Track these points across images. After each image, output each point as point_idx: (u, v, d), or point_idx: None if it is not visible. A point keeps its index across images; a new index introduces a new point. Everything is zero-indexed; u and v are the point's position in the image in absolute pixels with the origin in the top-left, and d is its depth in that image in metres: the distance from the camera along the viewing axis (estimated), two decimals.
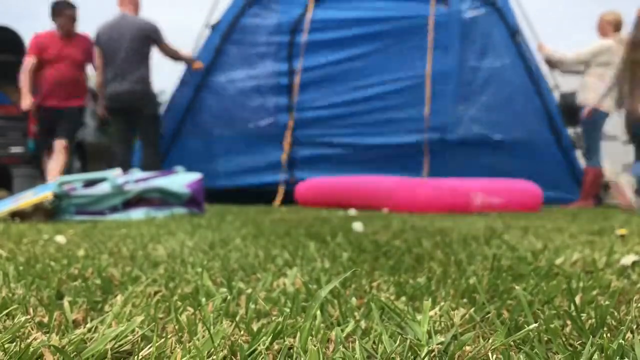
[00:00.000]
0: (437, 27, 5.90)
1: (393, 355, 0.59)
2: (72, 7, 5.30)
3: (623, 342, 0.60)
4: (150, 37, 5.41)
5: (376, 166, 5.76)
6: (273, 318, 0.77)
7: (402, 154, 5.86)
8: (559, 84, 6.62)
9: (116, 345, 0.64)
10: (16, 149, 6.58)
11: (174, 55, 5.70)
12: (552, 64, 6.10)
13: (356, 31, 5.99)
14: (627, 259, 1.26)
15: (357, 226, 2.28)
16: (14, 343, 0.62)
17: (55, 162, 5.22)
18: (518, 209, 4.38)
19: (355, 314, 0.79)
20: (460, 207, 4.17)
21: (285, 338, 0.66)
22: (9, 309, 0.72)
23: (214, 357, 0.60)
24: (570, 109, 6.04)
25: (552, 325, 0.67)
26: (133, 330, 0.68)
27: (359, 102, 5.98)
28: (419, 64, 5.93)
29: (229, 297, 0.80)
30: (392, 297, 0.91)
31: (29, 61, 5.26)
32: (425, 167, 5.81)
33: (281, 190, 5.79)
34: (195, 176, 3.70)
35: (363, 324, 0.73)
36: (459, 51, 5.95)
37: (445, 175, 5.52)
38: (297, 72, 6.01)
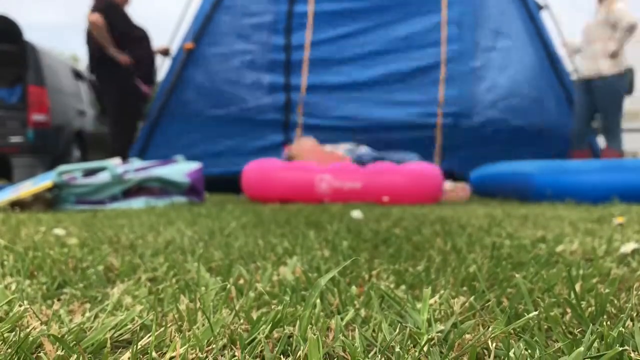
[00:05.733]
0: (450, 2, 5.62)
1: (393, 344, 0.59)
2: None
3: (623, 329, 0.60)
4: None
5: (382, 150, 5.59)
6: (273, 307, 0.77)
7: (412, 138, 5.51)
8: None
9: (116, 334, 0.64)
10: (15, 139, 6.57)
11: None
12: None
13: (361, 3, 5.63)
14: (627, 247, 1.25)
15: (356, 214, 2.28)
16: (14, 332, 0.62)
17: None
18: (387, 199, 3.56)
19: (355, 302, 0.79)
20: (300, 192, 3.60)
21: (285, 327, 0.66)
22: (9, 299, 0.72)
23: (214, 345, 0.60)
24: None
25: (552, 313, 0.67)
26: (132, 319, 0.68)
27: (365, 82, 5.63)
28: (431, 42, 5.60)
29: (228, 286, 0.80)
30: (392, 286, 0.91)
31: None
32: (437, 152, 5.59)
33: None
34: (195, 165, 3.70)
35: (363, 312, 0.73)
36: (473, 29, 5.65)
37: (459, 164, 5.39)
38: (296, 46, 5.60)
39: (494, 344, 0.59)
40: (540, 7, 5.92)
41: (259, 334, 0.62)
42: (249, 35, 5.70)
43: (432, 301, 0.78)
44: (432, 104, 5.60)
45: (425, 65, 5.64)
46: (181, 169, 3.57)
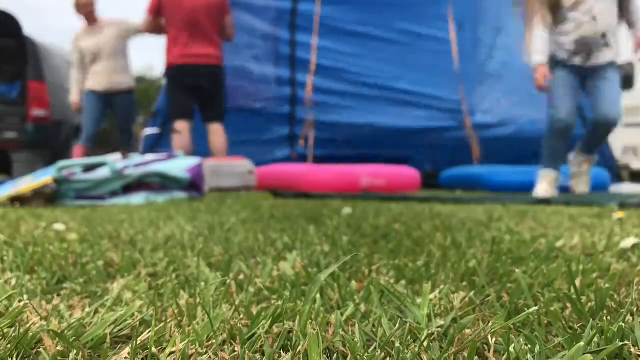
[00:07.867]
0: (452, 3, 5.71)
1: (393, 339, 0.59)
2: None
3: (623, 324, 0.60)
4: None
5: (386, 148, 5.61)
6: (273, 302, 0.77)
7: (414, 137, 5.65)
8: None
9: (115, 330, 0.64)
10: (15, 134, 6.56)
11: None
12: None
13: (364, 8, 5.70)
14: (627, 242, 1.25)
15: (347, 210, 2.33)
16: (13, 328, 0.62)
17: None
18: (398, 189, 4.91)
19: (355, 297, 0.79)
20: (350, 187, 4.73)
21: (285, 322, 0.66)
22: (8, 294, 0.72)
23: (214, 341, 0.60)
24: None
25: (552, 308, 0.67)
26: (132, 315, 0.68)
27: (370, 84, 5.72)
28: (437, 46, 5.69)
29: (228, 281, 0.80)
30: (392, 281, 0.91)
31: None
32: (474, 152, 5.61)
33: None
34: (195, 161, 3.69)
35: (363, 307, 0.73)
36: (474, 28, 5.71)
37: (465, 164, 5.44)
38: (301, 43, 5.65)
39: (494, 339, 0.59)
40: None
41: (258, 329, 0.62)
42: (254, 29, 5.74)
43: (432, 296, 0.78)
44: (435, 106, 5.63)
45: (430, 66, 5.72)
46: (181, 165, 3.56)
